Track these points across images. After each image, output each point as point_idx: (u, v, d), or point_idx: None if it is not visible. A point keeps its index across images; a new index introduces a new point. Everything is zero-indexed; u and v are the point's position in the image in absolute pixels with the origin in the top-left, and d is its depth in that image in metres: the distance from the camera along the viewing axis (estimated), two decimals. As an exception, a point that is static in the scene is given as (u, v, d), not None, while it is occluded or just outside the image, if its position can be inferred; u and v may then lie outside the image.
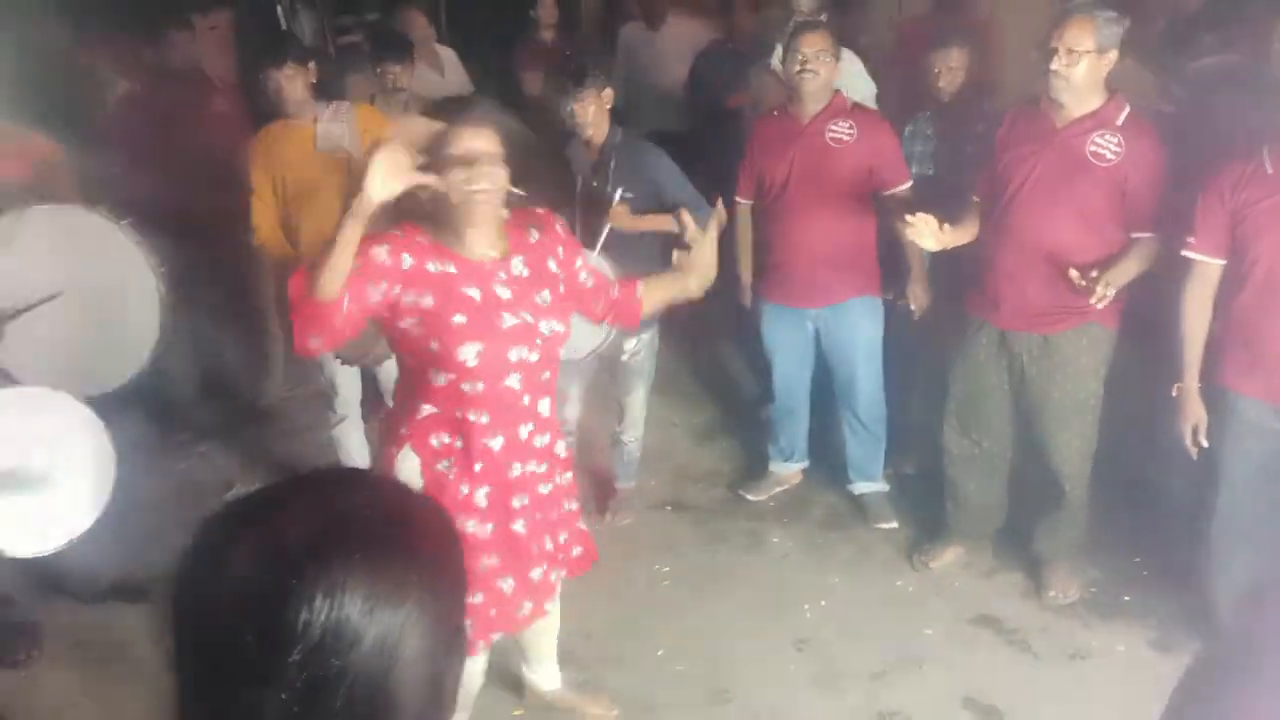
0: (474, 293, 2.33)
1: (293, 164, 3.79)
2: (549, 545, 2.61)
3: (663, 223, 3.76)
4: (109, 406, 3.06)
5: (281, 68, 3.73)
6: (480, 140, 2.33)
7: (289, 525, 0.90)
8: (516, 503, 2.50)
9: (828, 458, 4.30)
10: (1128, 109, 3.19)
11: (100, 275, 3.24)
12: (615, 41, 5.93)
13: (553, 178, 3.93)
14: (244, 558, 0.89)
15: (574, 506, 2.71)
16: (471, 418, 2.38)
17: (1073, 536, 3.59)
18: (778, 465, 4.26)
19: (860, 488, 4.13)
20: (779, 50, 4.31)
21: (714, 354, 5.30)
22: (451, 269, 2.33)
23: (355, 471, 1.03)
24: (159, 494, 4.17)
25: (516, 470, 2.47)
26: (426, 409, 2.40)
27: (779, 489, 4.26)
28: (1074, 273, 3.08)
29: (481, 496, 2.45)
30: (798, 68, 3.66)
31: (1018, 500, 3.73)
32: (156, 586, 3.47)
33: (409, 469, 2.42)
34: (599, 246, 3.54)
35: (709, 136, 5.06)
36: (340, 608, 0.86)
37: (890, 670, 3.26)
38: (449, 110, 4.33)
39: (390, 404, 4.05)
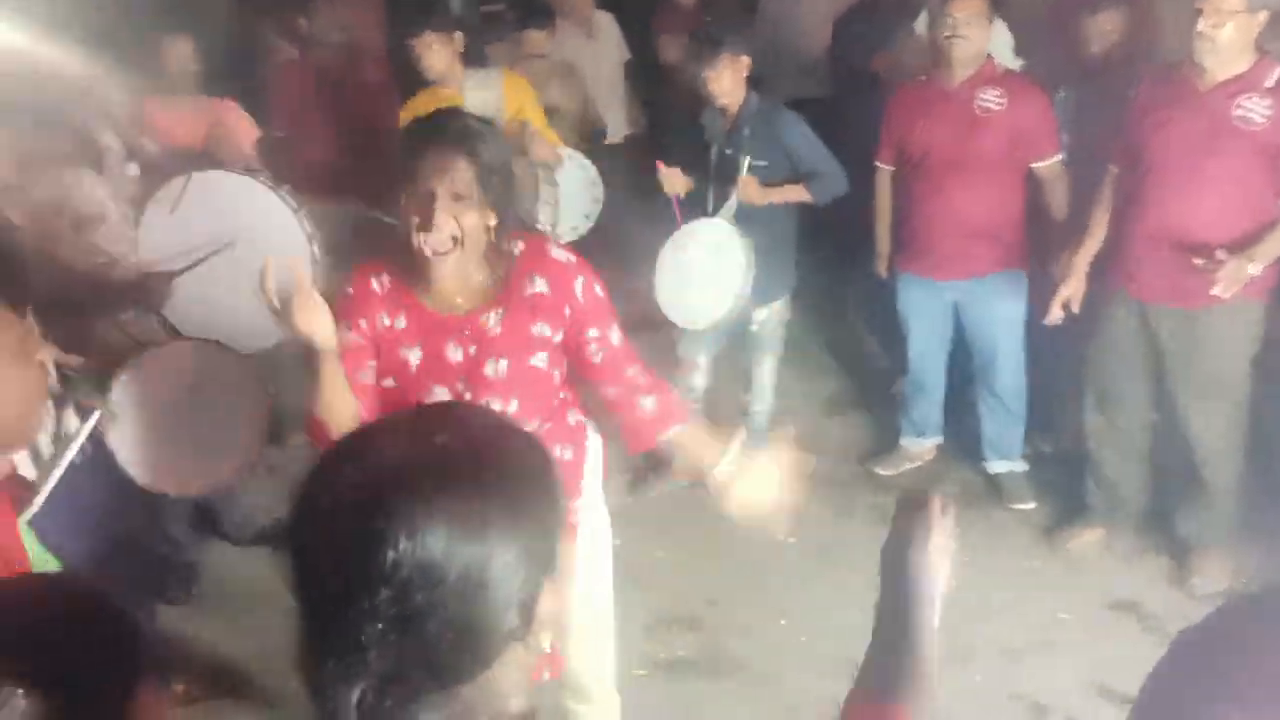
0: (413, 355, 2.08)
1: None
2: None
3: (793, 193, 3.72)
4: (264, 362, 3.24)
5: (421, 36, 3.82)
6: (444, 173, 1.94)
7: (375, 469, 0.96)
8: None
9: (962, 433, 4.20)
10: (1279, 71, 3.00)
11: (258, 239, 3.39)
12: (756, 6, 5.85)
13: (686, 148, 3.94)
14: (337, 502, 0.95)
15: None
16: None
17: (1220, 521, 3.43)
18: (909, 440, 4.19)
19: (996, 466, 4.02)
20: (925, 14, 4.19)
21: (847, 324, 5.22)
22: (400, 324, 2.08)
23: (447, 407, 1.06)
24: (304, 446, 4.37)
25: None
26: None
27: (910, 465, 4.19)
28: (1198, 261, 2.93)
29: None
30: (948, 33, 3.54)
31: (1164, 481, 3.58)
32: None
33: None
34: (731, 217, 3.53)
35: (851, 102, 4.96)
36: (424, 548, 0.91)
37: (1022, 652, 3.18)
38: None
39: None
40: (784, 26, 5.38)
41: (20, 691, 0.97)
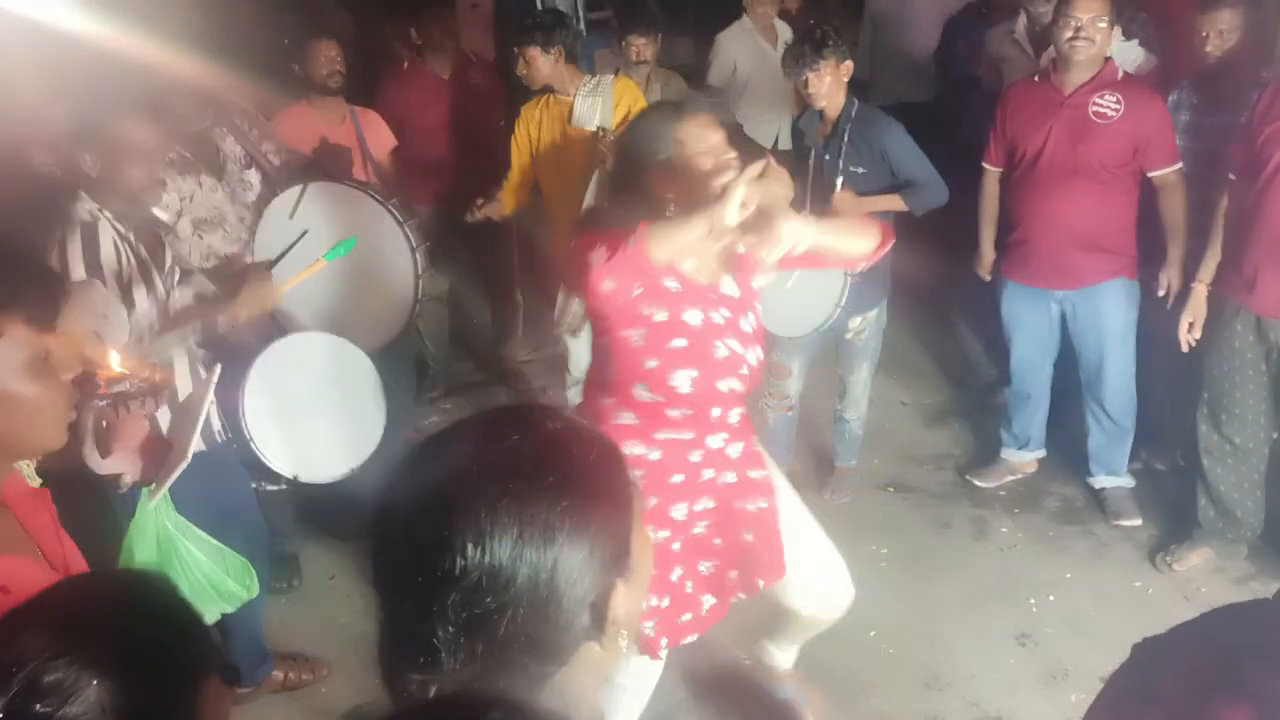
0: (694, 317, 2.27)
1: (550, 136, 3.98)
2: (718, 543, 2.51)
3: (890, 204, 3.68)
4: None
5: (528, 47, 3.90)
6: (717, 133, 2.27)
7: (445, 474, 0.99)
8: (700, 507, 2.44)
9: (1066, 447, 4.09)
10: None
11: (365, 248, 3.51)
12: (863, 9, 5.80)
13: (785, 152, 3.94)
14: (410, 506, 0.98)
15: (763, 505, 2.54)
16: (672, 436, 2.34)
17: None
18: (1010, 452, 4.09)
19: (1101, 481, 3.90)
20: (1024, 18, 4.08)
21: (950, 331, 5.13)
22: (676, 286, 2.26)
23: (515, 411, 1.07)
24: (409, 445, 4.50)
25: (708, 475, 2.42)
26: (626, 417, 2.33)
27: (1011, 477, 4.09)
28: None
29: (679, 511, 2.40)
30: (1070, 34, 3.42)
31: (1279, 502, 3.43)
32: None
33: None
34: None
35: (957, 107, 4.88)
36: (490, 553, 0.94)
37: (1121, 674, 3.08)
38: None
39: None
40: (889, 29, 5.32)
41: (94, 683, 1.02)
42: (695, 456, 2.38)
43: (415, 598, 0.96)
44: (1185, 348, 3.44)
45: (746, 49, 5.20)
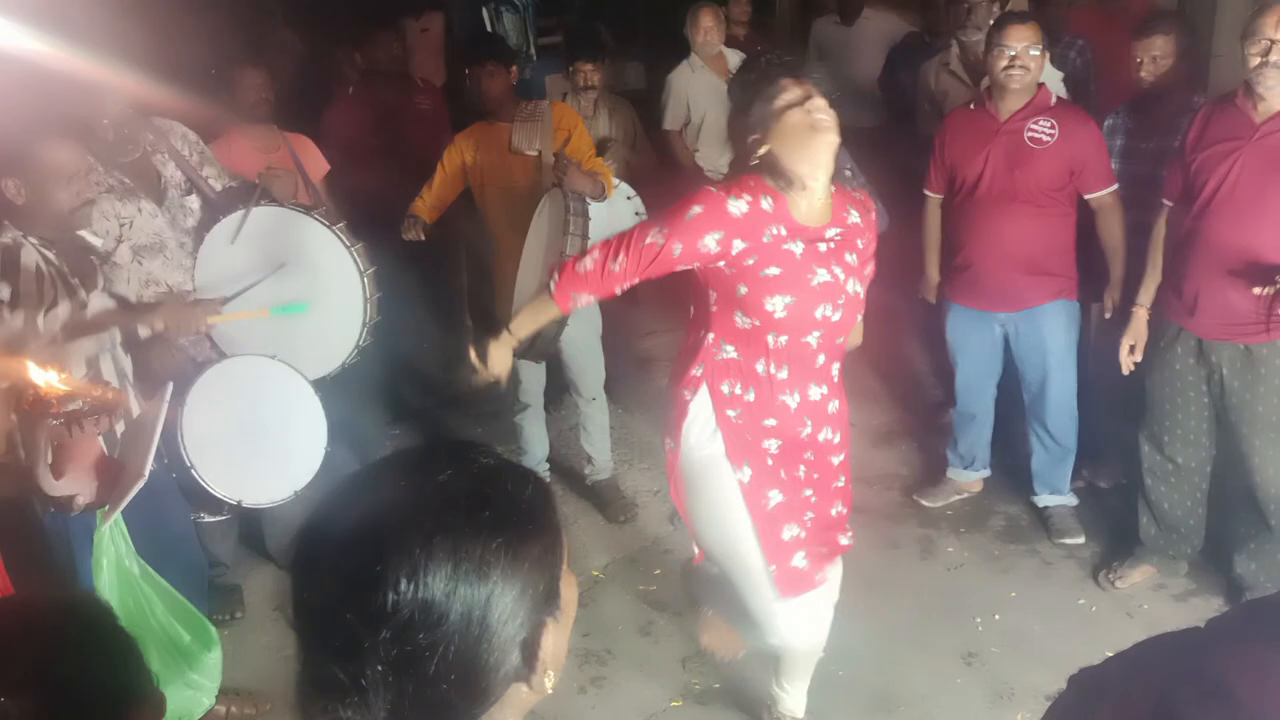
0: (794, 247, 2.38)
1: (489, 165, 3.96)
2: (832, 512, 2.68)
3: None
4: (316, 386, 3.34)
5: (484, 66, 3.89)
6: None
7: (376, 508, 0.97)
8: (804, 458, 2.56)
9: (1011, 466, 4.14)
10: None
11: (312, 273, 3.48)
12: (807, 37, 5.88)
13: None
14: (338, 541, 0.96)
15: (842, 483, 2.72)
16: (772, 370, 2.45)
17: (1275, 561, 3.33)
18: (957, 472, 4.14)
19: (1045, 500, 3.95)
20: (956, 48, 4.17)
21: (897, 354, 5.18)
22: (782, 230, 2.38)
23: (448, 447, 1.06)
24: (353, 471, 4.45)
25: (808, 429, 2.53)
26: (728, 351, 2.48)
27: (957, 497, 4.14)
28: (1260, 290, 2.87)
29: (773, 445, 2.52)
30: (1005, 63, 3.50)
31: (1219, 520, 3.49)
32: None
33: (702, 412, 2.51)
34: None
35: (902, 132, 4.96)
36: (424, 588, 0.93)
37: (1066, 692, 3.11)
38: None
39: (576, 398, 4.22)
40: (833, 56, 5.39)
41: (7, 707, 1.00)
42: (792, 400, 2.49)
43: (343, 635, 0.94)
44: (1126, 370, 3.49)
45: (698, 86, 5.19)
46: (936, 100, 4.50)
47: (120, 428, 2.54)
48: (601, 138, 4.63)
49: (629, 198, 4.40)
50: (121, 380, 2.74)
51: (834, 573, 2.78)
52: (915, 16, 5.43)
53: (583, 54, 4.58)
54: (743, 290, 2.39)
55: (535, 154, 3.95)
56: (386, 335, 4.46)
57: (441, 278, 4.87)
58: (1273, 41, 2.92)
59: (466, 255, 4.79)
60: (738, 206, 2.35)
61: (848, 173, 3.64)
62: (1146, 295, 3.42)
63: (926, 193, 3.91)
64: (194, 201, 3.50)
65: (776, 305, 2.38)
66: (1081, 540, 3.82)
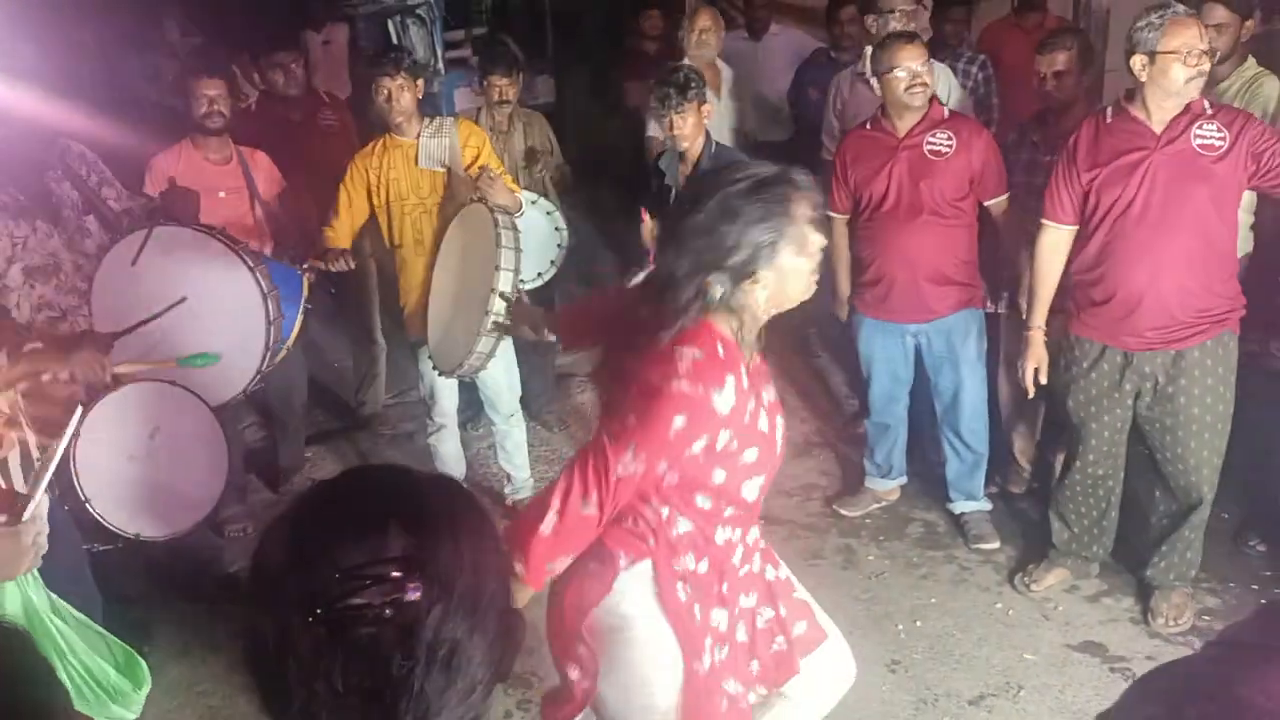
0: (759, 420, 2.04)
1: (395, 179, 3.88)
2: (772, 644, 2.32)
3: None
4: (221, 410, 3.22)
5: (395, 78, 3.80)
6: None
7: (351, 524, 0.95)
8: (744, 603, 2.23)
9: (926, 474, 4.21)
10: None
11: (214, 295, 3.36)
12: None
13: (650, 194, 3.96)
14: (304, 557, 0.94)
15: (783, 574, 2.38)
16: (723, 537, 2.11)
17: (1189, 560, 3.42)
18: (874, 481, 4.19)
19: (960, 506, 4.02)
20: (868, 53, 4.22)
21: (812, 367, 5.24)
22: (744, 385, 1.98)
23: (405, 469, 1.04)
24: (265, 497, 4.33)
25: (744, 571, 2.22)
26: (683, 525, 2.07)
27: (875, 505, 4.18)
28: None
29: (721, 618, 2.15)
30: (907, 83, 3.55)
31: (1128, 523, 3.58)
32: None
33: (641, 585, 2.10)
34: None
35: (812, 146, 5.01)
36: (400, 609, 0.90)
37: (988, 695, 3.16)
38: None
39: (491, 414, 4.15)
40: (743, 71, 5.42)
41: None
42: (736, 558, 2.17)
43: (309, 655, 0.90)
44: (1031, 393, 3.56)
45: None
46: (848, 110, 4.55)
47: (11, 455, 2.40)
48: (529, 148, 4.59)
49: (549, 213, 4.37)
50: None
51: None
52: (822, 32, 5.50)
53: (497, 68, 4.53)
54: (719, 478, 2.01)
55: (443, 170, 3.88)
56: (297, 356, 4.37)
57: (350, 297, 4.76)
58: (1173, 54, 3.00)
59: (377, 273, 4.68)
60: (724, 401, 1.91)
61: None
62: (1039, 317, 3.46)
63: (830, 214, 3.83)
64: (92, 223, 3.37)
65: (752, 490, 2.08)
66: (997, 545, 3.88)
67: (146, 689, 2.21)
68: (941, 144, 3.63)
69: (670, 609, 2.09)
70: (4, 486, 2.01)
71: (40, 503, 1.82)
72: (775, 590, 2.33)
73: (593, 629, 2.14)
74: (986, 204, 3.71)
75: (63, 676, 1.96)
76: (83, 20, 5.42)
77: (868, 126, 3.81)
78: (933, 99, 3.69)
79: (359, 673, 0.89)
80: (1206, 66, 3.02)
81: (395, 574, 0.90)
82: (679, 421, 1.90)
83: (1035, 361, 3.48)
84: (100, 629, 2.15)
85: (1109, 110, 3.24)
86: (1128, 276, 3.19)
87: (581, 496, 1.93)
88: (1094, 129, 3.25)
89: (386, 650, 0.89)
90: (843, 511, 4.17)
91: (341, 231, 3.92)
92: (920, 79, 3.56)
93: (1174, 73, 3.00)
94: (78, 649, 2.08)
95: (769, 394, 2.12)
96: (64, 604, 2.08)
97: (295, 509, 0.99)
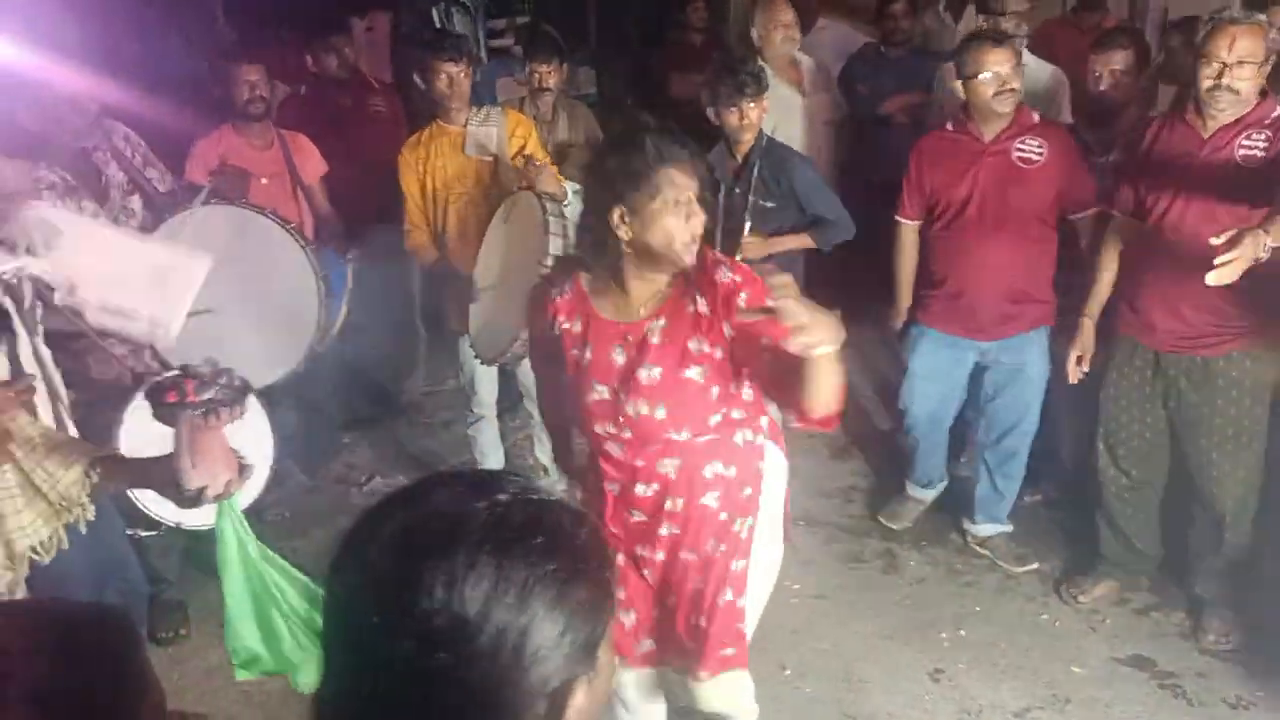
0: (585, 353, 2.29)
1: (441, 166, 3.85)
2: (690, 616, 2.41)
3: (798, 242, 3.69)
4: (262, 394, 3.19)
5: (457, 63, 3.77)
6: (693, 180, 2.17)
7: (422, 519, 0.92)
8: (642, 552, 2.41)
9: (965, 478, 4.11)
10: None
11: (265, 273, 3.34)
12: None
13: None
14: (379, 547, 0.91)
15: (729, 597, 2.39)
16: (613, 473, 2.37)
17: (1233, 576, 3.34)
18: (917, 490, 4.04)
19: (985, 530, 3.85)
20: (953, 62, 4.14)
21: (854, 364, 5.16)
22: (576, 328, 2.30)
23: (499, 474, 1.01)
24: (302, 482, 4.31)
25: (654, 526, 2.36)
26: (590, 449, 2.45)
27: (920, 510, 4.07)
28: (1215, 240, 2.64)
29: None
30: (995, 90, 3.35)
31: (1179, 535, 3.50)
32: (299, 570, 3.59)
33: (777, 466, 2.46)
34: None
35: (859, 143, 4.95)
36: (460, 602, 0.86)
37: (1034, 708, 3.09)
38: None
39: (530, 405, 4.12)
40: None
41: None
42: (637, 499, 2.35)
43: (366, 642, 0.88)
44: (1074, 380, 3.47)
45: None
46: (938, 107, 4.36)
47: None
48: (560, 143, 4.54)
49: (576, 192, 4.30)
50: (55, 403, 2.56)
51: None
52: (871, 28, 5.42)
53: (540, 56, 4.49)
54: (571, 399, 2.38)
55: (491, 159, 3.85)
56: (337, 342, 4.35)
57: (392, 283, 4.73)
58: (1225, 64, 2.93)
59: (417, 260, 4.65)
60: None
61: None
62: (1095, 305, 3.40)
63: (900, 219, 3.70)
64: (136, 203, 3.36)
65: (598, 395, 2.30)
66: (1035, 566, 3.75)
67: None
68: (1032, 151, 3.42)
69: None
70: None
71: None
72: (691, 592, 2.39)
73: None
74: (1073, 218, 3.52)
75: (279, 625, 2.06)
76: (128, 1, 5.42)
77: (949, 128, 3.61)
78: (1021, 105, 3.46)
79: (421, 657, 0.87)
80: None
81: (390, 573, 0.90)
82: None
83: (1080, 349, 3.41)
84: (307, 579, 2.14)
85: (1178, 112, 3.18)
86: (1149, 280, 3.17)
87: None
88: (1158, 129, 3.20)
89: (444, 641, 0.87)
90: (889, 524, 4.03)
91: (424, 231, 3.91)
92: (1009, 85, 3.34)
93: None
94: (289, 595, 2.09)
95: (627, 355, 2.24)
96: (272, 554, 2.10)
97: (371, 506, 0.97)
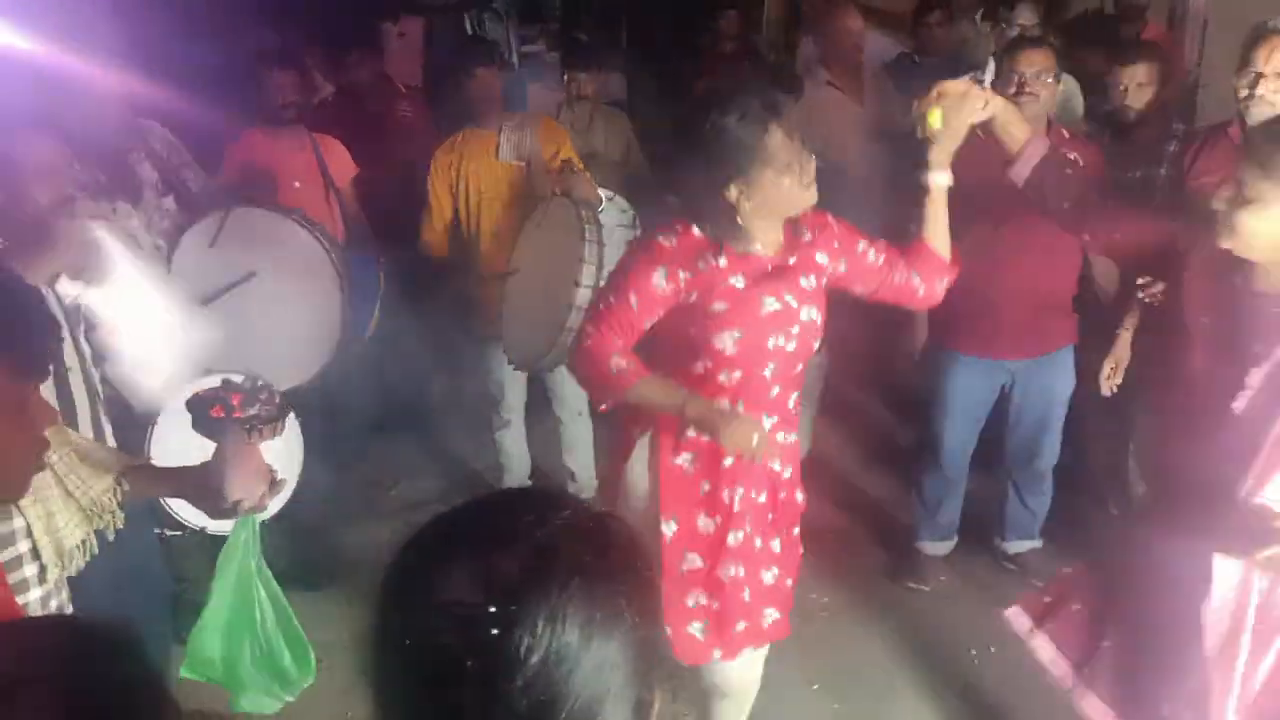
0: (737, 281, 2.26)
1: (475, 172, 3.84)
2: (777, 549, 2.48)
3: None
4: (290, 399, 3.18)
5: (489, 67, 3.78)
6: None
7: (503, 550, 0.89)
8: (758, 497, 2.41)
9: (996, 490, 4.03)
10: None
11: (289, 275, 3.35)
12: (795, 54, 5.83)
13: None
14: (461, 582, 0.87)
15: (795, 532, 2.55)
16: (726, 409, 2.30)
17: None
18: (933, 546, 3.84)
19: (1016, 546, 3.81)
20: (992, 66, 4.08)
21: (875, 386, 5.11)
22: (721, 262, 2.26)
23: (548, 493, 0.99)
24: (329, 486, 4.31)
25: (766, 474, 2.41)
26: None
27: (941, 560, 3.86)
28: None
29: (725, 495, 2.36)
30: (1014, 89, 3.26)
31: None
32: (323, 575, 3.59)
33: (644, 453, 2.40)
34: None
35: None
36: (561, 634, 0.85)
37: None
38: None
39: (558, 410, 4.11)
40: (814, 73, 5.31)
41: None
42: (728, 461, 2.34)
43: (464, 685, 0.84)
44: (1107, 391, 3.43)
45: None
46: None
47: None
48: (596, 150, 4.53)
49: (610, 199, 4.29)
50: (94, 404, 2.56)
51: (751, 654, 2.57)
52: (905, 37, 5.38)
53: (578, 64, 4.49)
54: (691, 332, 2.28)
55: (523, 165, 3.84)
56: (362, 346, 4.36)
57: (419, 288, 4.73)
58: (1260, 74, 2.88)
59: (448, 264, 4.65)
60: (668, 239, 2.28)
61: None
62: (1130, 318, 3.36)
63: None
64: (170, 204, 3.38)
65: (726, 342, 2.26)
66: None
67: (310, 681, 2.20)
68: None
69: (665, 474, 2.37)
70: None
71: None
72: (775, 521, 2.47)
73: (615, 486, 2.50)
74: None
75: (244, 648, 2.09)
76: (164, 4, 5.47)
77: (978, 136, 3.56)
78: (1052, 124, 3.37)
79: (529, 694, 0.85)
80: None
81: (484, 612, 0.85)
82: (633, 253, 2.35)
83: (1114, 360, 3.36)
84: (291, 613, 2.15)
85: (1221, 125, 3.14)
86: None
87: (593, 328, 2.31)
88: (1199, 145, 3.19)
89: (549, 678, 0.85)
90: (917, 587, 3.77)
91: (439, 231, 3.91)
92: (1027, 88, 3.25)
93: None
94: (268, 623, 2.10)
95: (778, 276, 2.32)
96: (271, 578, 2.11)
97: (418, 534, 0.94)
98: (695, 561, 2.39)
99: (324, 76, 5.06)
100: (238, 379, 2.06)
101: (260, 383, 2.04)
